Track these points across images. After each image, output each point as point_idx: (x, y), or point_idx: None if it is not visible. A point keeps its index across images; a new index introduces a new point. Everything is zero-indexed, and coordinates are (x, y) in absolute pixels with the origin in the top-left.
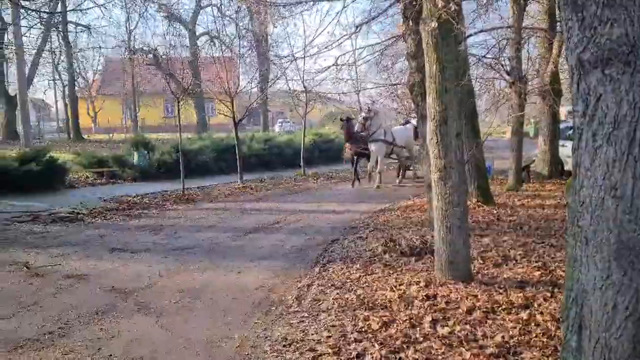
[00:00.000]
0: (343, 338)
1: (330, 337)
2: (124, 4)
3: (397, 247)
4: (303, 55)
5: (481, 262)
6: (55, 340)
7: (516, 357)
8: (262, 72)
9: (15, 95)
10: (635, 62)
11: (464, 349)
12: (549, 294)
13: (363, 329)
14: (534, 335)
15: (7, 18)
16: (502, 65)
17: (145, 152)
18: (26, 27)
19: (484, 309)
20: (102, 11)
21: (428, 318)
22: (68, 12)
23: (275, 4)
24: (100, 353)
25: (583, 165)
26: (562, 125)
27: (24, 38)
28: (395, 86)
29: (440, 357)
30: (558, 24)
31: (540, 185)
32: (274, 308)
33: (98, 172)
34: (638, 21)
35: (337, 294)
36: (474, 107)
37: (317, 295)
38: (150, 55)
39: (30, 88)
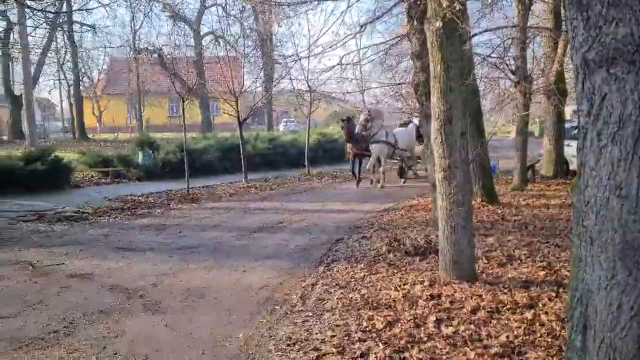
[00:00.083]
0: (347, 337)
1: (334, 336)
2: (129, 3)
3: (402, 246)
4: (307, 55)
5: (486, 261)
6: (60, 339)
7: (521, 357)
8: (266, 71)
9: (21, 94)
10: None
11: (468, 349)
12: (553, 294)
13: (367, 329)
14: (538, 335)
15: (13, 18)
16: (507, 65)
17: (150, 151)
18: (32, 26)
19: (489, 309)
20: (107, 11)
21: (432, 318)
22: (73, 12)
23: (280, 4)
24: (105, 352)
25: (588, 164)
26: (567, 125)
27: (29, 38)
28: (399, 85)
29: (444, 357)
30: (563, 23)
31: (545, 185)
32: (278, 307)
33: (103, 172)
34: None
35: (342, 293)
36: (478, 107)
37: (321, 294)
38: (155, 55)
39: (35, 87)
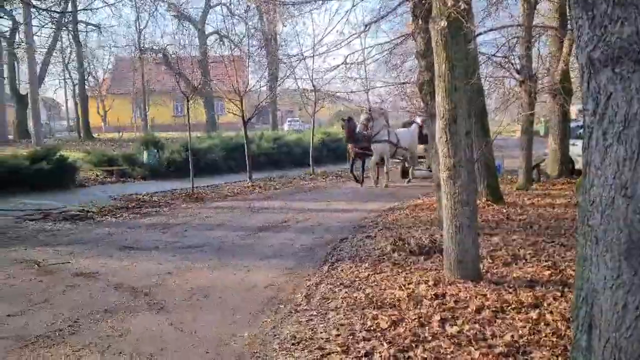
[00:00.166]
0: (352, 337)
1: (339, 335)
2: (133, 3)
3: (406, 246)
4: (312, 54)
5: (490, 261)
6: (65, 337)
7: (525, 357)
8: (271, 71)
9: (27, 94)
10: None
11: (472, 348)
12: (558, 294)
13: (372, 328)
14: (543, 334)
15: (19, 17)
16: (512, 64)
17: (155, 150)
18: (37, 26)
19: (493, 308)
20: (112, 10)
21: (437, 317)
22: (78, 12)
23: (285, 3)
24: (109, 350)
25: (593, 164)
26: (572, 124)
27: (35, 37)
28: (404, 85)
29: (449, 356)
30: (569, 22)
31: (551, 184)
32: (282, 306)
33: (108, 171)
34: None
35: (346, 292)
36: (483, 106)
37: (326, 293)
38: (160, 55)
39: (41, 87)
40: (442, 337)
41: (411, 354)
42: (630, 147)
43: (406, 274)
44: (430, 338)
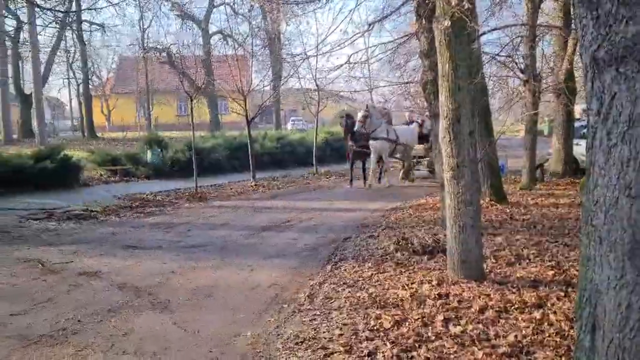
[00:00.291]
0: (355, 336)
1: (342, 335)
2: (137, 2)
3: (410, 245)
4: (316, 54)
5: (494, 261)
6: (69, 336)
7: (529, 357)
8: (274, 70)
9: (31, 93)
10: None
11: (476, 348)
12: (562, 294)
13: (375, 328)
14: (547, 334)
15: (23, 17)
16: (516, 63)
17: (159, 150)
18: (41, 25)
19: (497, 308)
20: (116, 10)
21: (440, 317)
22: (82, 11)
23: (288, 2)
24: (113, 349)
25: (597, 164)
26: (576, 124)
27: (39, 37)
28: (408, 84)
29: (452, 356)
30: (573, 21)
31: (554, 184)
32: (286, 306)
33: (112, 170)
34: None
35: (349, 292)
36: (487, 105)
37: (329, 293)
38: (164, 54)
39: (45, 86)
40: (445, 337)
41: (414, 353)
42: (634, 147)
43: (409, 273)
44: (433, 338)
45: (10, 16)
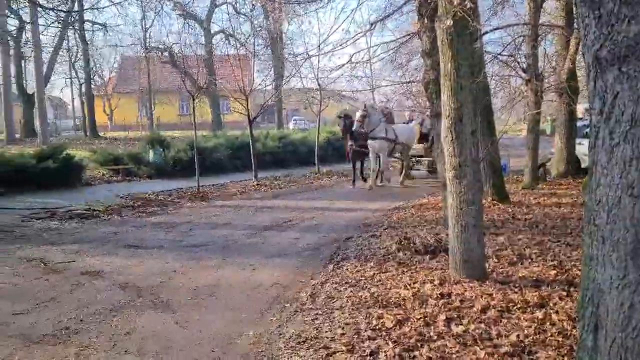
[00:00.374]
0: (357, 336)
1: (344, 334)
2: (139, 2)
3: (412, 245)
4: (318, 53)
5: (496, 260)
6: (72, 336)
7: (531, 357)
8: (276, 69)
9: (33, 93)
10: None
11: (478, 348)
12: (564, 293)
13: (377, 327)
14: (549, 334)
15: (25, 17)
16: (518, 63)
17: (161, 149)
18: (44, 25)
19: (499, 308)
20: (118, 9)
21: (442, 316)
22: (85, 11)
23: (290, 2)
24: (115, 349)
25: (600, 163)
26: (579, 123)
27: (41, 36)
28: (410, 84)
29: (454, 356)
30: (575, 20)
31: (557, 184)
32: (288, 305)
33: (114, 170)
34: None
35: (351, 291)
36: (489, 105)
37: (331, 292)
38: (166, 53)
39: (47, 86)
40: (447, 336)
41: (416, 353)
42: (637, 146)
43: (411, 273)
44: (435, 337)
45: (12, 16)
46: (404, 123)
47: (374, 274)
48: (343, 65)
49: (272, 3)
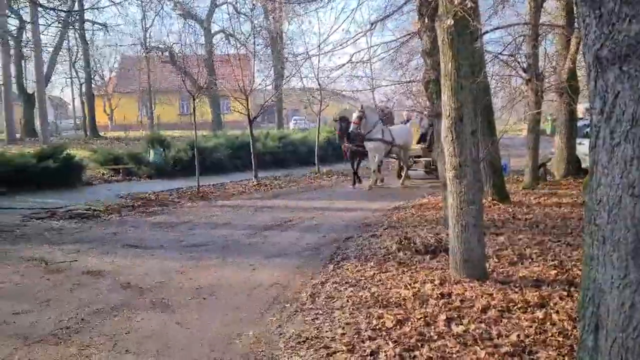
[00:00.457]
0: (357, 336)
1: (344, 334)
2: (140, 2)
3: (412, 245)
4: (318, 53)
5: (496, 260)
6: (72, 335)
7: (532, 357)
8: (277, 69)
9: (33, 93)
10: None
11: (478, 348)
12: (565, 293)
13: (377, 327)
14: (549, 334)
15: (26, 17)
16: (519, 62)
17: (161, 149)
18: (44, 25)
19: (499, 308)
20: (118, 9)
21: (442, 316)
22: (85, 11)
23: (290, 2)
24: (115, 348)
25: (600, 163)
26: (579, 123)
27: (41, 36)
28: (410, 83)
29: (454, 356)
30: (576, 20)
31: (557, 184)
32: (288, 305)
33: (114, 170)
34: None
35: (351, 291)
36: (489, 105)
37: (331, 292)
38: (166, 53)
39: (47, 86)
40: (447, 336)
41: (417, 353)
42: (637, 146)
43: (412, 273)
44: (436, 337)
45: (13, 16)
46: (402, 123)
47: (374, 273)
48: (343, 65)
49: (272, 3)
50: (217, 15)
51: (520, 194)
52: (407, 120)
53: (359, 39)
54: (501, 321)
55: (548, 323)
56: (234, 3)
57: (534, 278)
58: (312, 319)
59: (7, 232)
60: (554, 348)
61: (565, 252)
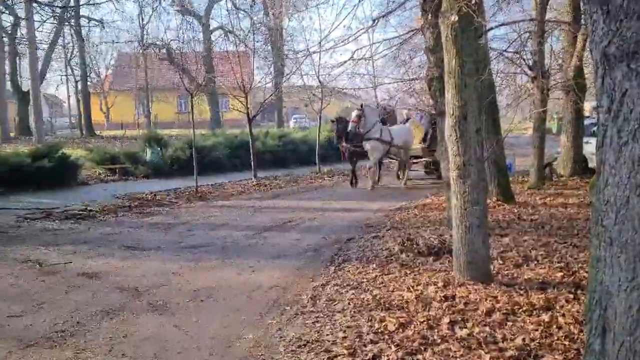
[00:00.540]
0: (359, 339)
1: (345, 338)
2: None
3: (415, 246)
4: (319, 50)
5: (501, 262)
6: (68, 338)
7: None
8: (276, 67)
9: (28, 90)
10: None
11: (482, 352)
12: (571, 296)
13: (379, 330)
14: (555, 338)
15: (21, 13)
16: (524, 60)
17: (158, 148)
18: (39, 21)
19: (504, 311)
20: (114, 5)
21: (446, 319)
22: (81, 7)
23: None
24: (112, 352)
25: (607, 162)
26: (586, 122)
27: (36, 33)
28: (413, 81)
29: None
30: (582, 16)
31: (563, 184)
32: (288, 308)
33: (110, 169)
34: None
35: (353, 294)
36: (494, 103)
37: (332, 295)
38: (164, 50)
39: (42, 83)
40: (451, 340)
41: (420, 357)
42: None
43: (415, 275)
44: (439, 341)
45: (7, 12)
46: (402, 123)
47: (376, 275)
48: (345, 62)
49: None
50: (216, 11)
51: (525, 194)
52: (407, 119)
53: (360, 35)
54: (506, 324)
55: (554, 326)
56: None
57: (540, 280)
58: (312, 322)
59: (1, 233)
60: (560, 352)
61: (572, 253)
